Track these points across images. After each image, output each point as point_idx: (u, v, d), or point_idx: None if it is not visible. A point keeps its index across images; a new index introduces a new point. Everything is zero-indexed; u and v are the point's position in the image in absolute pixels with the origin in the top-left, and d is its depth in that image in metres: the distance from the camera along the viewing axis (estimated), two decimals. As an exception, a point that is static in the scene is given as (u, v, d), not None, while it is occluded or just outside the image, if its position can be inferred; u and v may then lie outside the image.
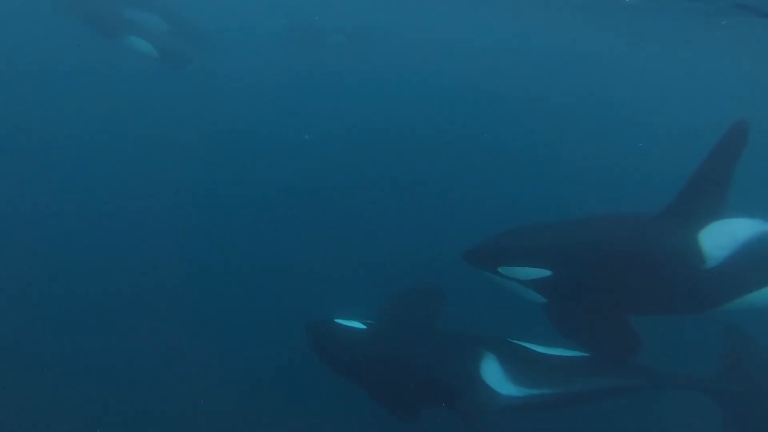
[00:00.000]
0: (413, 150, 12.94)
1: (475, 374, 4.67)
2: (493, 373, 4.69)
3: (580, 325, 4.97)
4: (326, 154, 12.56)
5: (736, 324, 5.52)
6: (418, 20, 24.80)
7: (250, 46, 19.82)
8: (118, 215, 9.88)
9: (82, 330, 7.42)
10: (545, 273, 4.94)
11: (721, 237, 4.69)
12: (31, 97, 14.06)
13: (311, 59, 19.01)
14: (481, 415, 4.61)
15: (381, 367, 5.06)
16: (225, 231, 9.65)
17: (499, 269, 5.11)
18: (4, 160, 11.09)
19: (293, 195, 10.86)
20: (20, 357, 7.03)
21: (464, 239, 5.46)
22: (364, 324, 5.32)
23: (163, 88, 14.97)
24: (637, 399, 5.49)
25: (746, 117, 4.42)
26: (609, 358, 4.95)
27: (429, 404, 5.03)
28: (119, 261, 8.73)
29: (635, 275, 4.86)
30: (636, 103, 19.21)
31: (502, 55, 23.08)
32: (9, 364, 6.94)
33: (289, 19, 19.20)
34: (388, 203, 10.49)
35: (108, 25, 14.15)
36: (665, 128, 15.94)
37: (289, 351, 6.02)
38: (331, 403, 6.20)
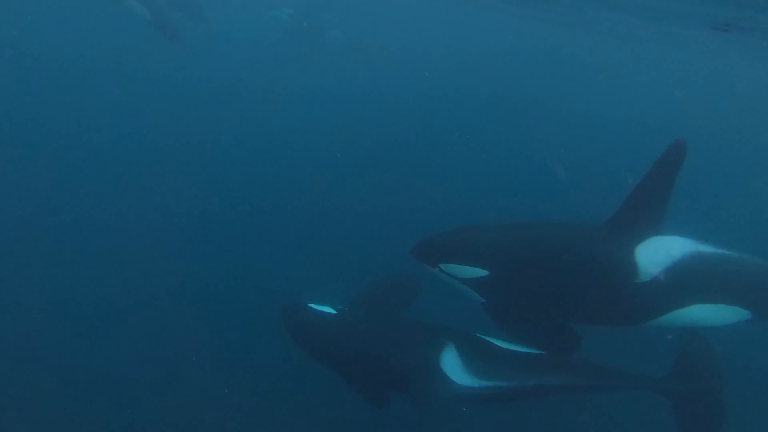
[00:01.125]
0: (399, 144, 13.20)
1: (433, 362, 4.91)
2: (451, 363, 4.92)
3: (518, 324, 5.13)
4: (312, 146, 12.77)
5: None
6: (416, 22, 25.10)
7: (248, 33, 20.04)
8: (102, 210, 10.01)
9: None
10: (482, 273, 5.05)
11: (657, 253, 4.81)
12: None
13: (308, 53, 19.34)
14: (432, 401, 4.93)
15: (346, 350, 5.33)
16: (208, 223, 9.90)
17: (440, 265, 5.22)
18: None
19: (278, 186, 11.08)
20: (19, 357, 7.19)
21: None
22: (335, 309, 5.55)
23: (154, 77, 15.20)
24: (592, 397, 5.84)
25: (684, 136, 4.53)
26: (548, 354, 5.10)
27: (391, 388, 5.26)
28: (104, 256, 8.89)
29: (569, 283, 4.99)
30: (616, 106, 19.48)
31: (494, 57, 23.35)
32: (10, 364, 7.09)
33: (293, 10, 19.44)
34: (371, 194, 10.74)
35: None
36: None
37: (270, 335, 6.26)
38: (309, 389, 6.53)
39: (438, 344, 5.05)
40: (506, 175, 12.39)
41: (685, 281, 4.82)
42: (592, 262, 4.93)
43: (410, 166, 12.11)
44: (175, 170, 11.26)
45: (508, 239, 5.19)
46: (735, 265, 4.94)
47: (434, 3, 23.01)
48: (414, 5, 23.69)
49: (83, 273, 8.52)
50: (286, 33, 19.56)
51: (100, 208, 9.96)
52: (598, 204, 5.47)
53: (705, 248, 4.95)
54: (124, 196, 10.31)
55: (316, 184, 11.07)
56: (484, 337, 5.30)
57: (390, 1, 22.37)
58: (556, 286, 5.02)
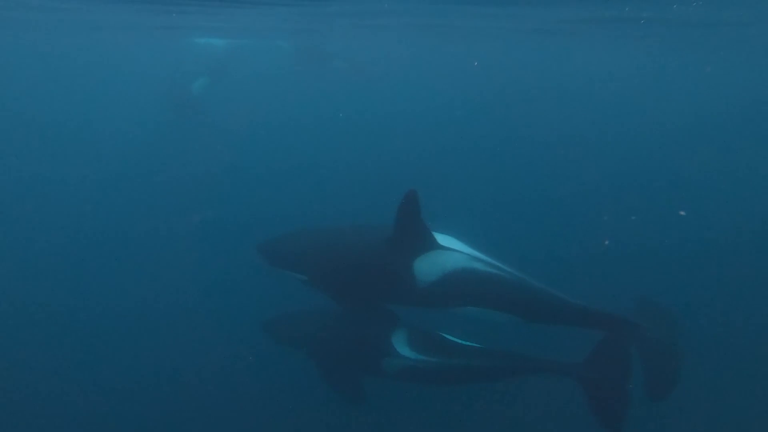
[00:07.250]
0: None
1: (386, 336, 6.21)
2: (400, 339, 6.20)
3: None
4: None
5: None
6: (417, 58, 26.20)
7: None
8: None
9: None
10: (302, 277, 6.23)
11: (432, 266, 5.80)
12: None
13: (313, 80, 20.88)
14: (383, 370, 6.16)
15: (322, 332, 6.48)
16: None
17: (274, 268, 6.35)
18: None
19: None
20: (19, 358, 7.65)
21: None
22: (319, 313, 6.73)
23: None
24: (513, 382, 6.63)
25: (414, 188, 5.44)
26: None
27: (356, 363, 6.34)
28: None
29: (365, 285, 6.09)
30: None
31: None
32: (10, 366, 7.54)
33: (297, 41, 20.86)
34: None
35: None
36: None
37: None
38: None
39: (394, 326, 6.31)
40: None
41: (456, 290, 5.82)
42: (381, 270, 5.97)
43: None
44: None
45: (314, 250, 6.25)
46: (498, 281, 5.80)
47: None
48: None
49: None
50: (291, 62, 20.99)
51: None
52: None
53: (476, 264, 5.89)
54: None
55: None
56: (440, 333, 6.39)
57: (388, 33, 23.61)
58: (355, 284, 6.12)
